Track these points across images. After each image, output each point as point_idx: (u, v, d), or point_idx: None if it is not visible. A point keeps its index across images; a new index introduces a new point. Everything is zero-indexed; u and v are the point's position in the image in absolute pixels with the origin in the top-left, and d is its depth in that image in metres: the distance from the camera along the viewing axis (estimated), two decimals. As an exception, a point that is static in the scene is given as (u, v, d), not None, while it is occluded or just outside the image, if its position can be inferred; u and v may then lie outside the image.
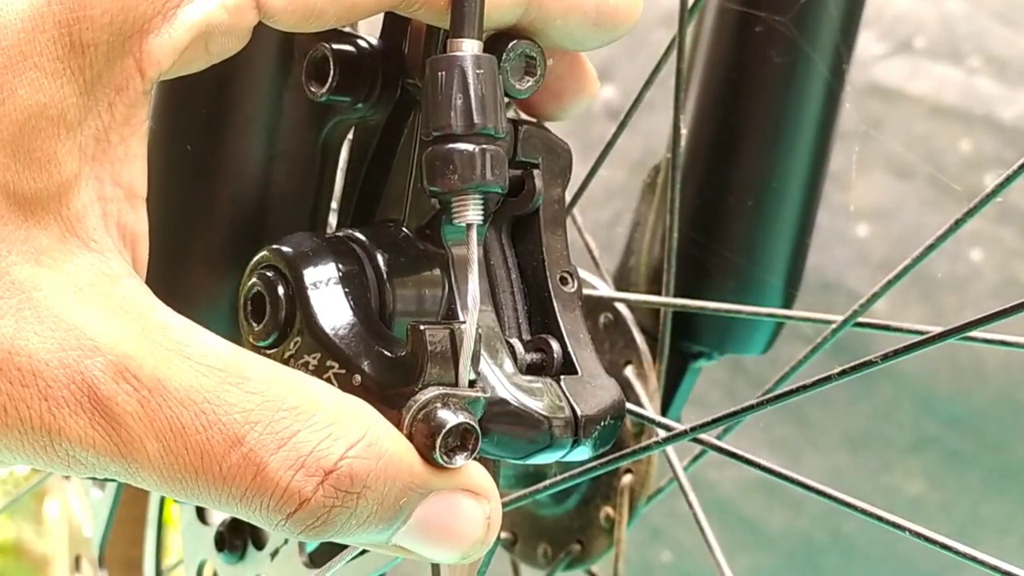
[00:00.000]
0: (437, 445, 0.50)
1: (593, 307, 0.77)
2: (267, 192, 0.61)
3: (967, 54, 1.58)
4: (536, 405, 0.54)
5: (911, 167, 1.32)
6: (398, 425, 0.51)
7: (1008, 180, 0.57)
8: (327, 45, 0.58)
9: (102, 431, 0.47)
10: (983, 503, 1.69)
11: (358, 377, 0.53)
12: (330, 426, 0.49)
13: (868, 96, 1.61)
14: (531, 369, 0.56)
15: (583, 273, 0.74)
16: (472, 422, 0.51)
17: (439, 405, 0.51)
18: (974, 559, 0.56)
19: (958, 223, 0.58)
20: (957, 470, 1.69)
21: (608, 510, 0.78)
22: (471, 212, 0.53)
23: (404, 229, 0.57)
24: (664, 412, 0.76)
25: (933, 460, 1.69)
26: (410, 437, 0.51)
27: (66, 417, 0.47)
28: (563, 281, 0.58)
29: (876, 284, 0.63)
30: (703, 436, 0.62)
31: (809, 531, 1.73)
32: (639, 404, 0.74)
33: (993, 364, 1.70)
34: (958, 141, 1.41)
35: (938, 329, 0.56)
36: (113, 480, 0.54)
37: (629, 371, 0.76)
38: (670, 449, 0.70)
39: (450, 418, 0.51)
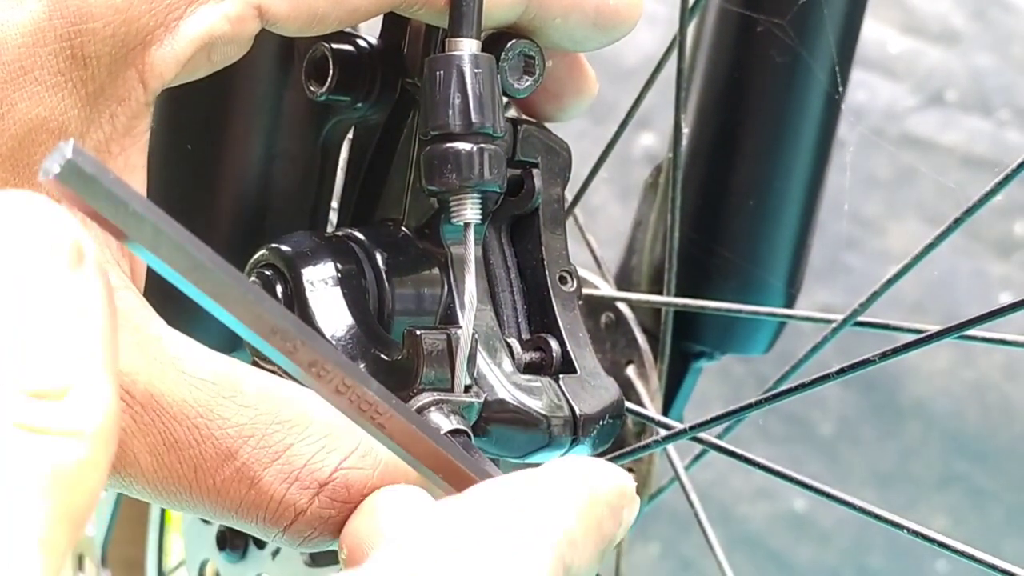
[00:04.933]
0: None
1: (595, 307, 0.77)
2: (267, 191, 0.62)
3: (997, 107, 1.60)
4: (535, 404, 0.54)
5: (944, 214, 1.36)
6: None
7: (1007, 179, 0.57)
8: (327, 45, 0.58)
9: None
10: (1005, 539, 1.70)
11: None
12: (324, 439, 0.49)
13: (902, 147, 1.62)
14: (530, 368, 0.56)
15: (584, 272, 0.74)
16: (465, 427, 0.51)
17: (433, 410, 0.51)
18: (973, 558, 0.56)
19: (957, 222, 0.58)
20: (981, 507, 1.69)
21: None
22: (469, 211, 0.53)
23: (403, 228, 0.57)
24: (666, 412, 0.76)
25: (957, 497, 1.70)
26: None
27: None
28: (562, 280, 0.58)
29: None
30: (702, 435, 0.62)
31: (836, 566, 1.73)
32: (640, 404, 0.74)
33: (1020, 402, 1.71)
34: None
35: (936, 328, 0.56)
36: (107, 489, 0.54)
37: (631, 371, 0.75)
38: (671, 448, 0.70)
39: (443, 423, 0.51)
